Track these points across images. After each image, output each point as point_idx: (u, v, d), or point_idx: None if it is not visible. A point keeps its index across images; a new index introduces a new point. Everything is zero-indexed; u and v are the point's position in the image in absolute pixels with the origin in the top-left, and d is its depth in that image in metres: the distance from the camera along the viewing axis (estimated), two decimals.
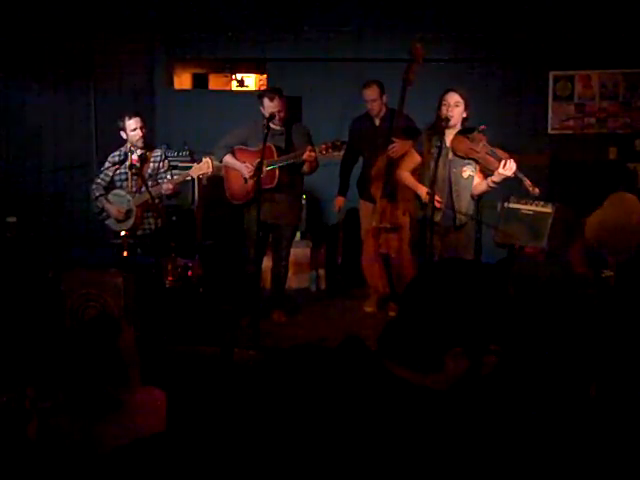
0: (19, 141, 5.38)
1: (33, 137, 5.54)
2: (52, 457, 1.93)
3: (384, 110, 5.22)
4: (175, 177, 5.03)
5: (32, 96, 5.48)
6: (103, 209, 5.05)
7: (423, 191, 4.22)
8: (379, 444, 1.19)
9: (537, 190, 4.03)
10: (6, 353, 3.55)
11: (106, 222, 5.06)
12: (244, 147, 5.00)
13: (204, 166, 4.90)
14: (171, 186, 4.89)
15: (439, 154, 4.13)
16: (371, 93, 5.18)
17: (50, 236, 5.16)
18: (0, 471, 1.92)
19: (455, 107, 4.19)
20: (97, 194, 5.03)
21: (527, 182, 4.03)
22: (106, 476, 1.62)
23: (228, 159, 5.01)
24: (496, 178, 4.08)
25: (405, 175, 4.45)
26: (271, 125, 4.82)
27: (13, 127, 5.33)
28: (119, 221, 5.01)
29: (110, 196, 5.02)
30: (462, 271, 1.36)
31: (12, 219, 4.84)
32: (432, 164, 4.15)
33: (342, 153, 5.28)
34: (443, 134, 4.21)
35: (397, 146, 4.82)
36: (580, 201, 5.68)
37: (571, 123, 6.51)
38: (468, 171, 4.25)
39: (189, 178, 5.25)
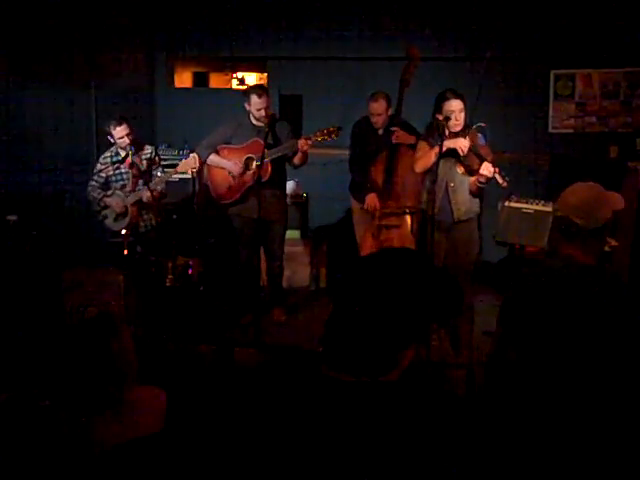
0: (19, 141, 5.37)
1: (33, 137, 5.53)
2: (52, 457, 1.93)
3: (388, 121, 5.19)
4: (162, 175, 5.08)
5: (32, 96, 5.47)
6: (103, 208, 5.07)
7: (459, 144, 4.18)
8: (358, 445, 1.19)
9: (505, 184, 4.07)
10: (6, 353, 3.55)
11: (105, 222, 5.08)
12: (228, 145, 5.00)
13: (191, 161, 4.96)
14: (158, 188, 4.98)
15: (440, 155, 4.13)
16: (378, 107, 5.08)
17: (50, 235, 5.15)
18: (0, 471, 1.92)
19: (460, 113, 4.20)
20: (95, 194, 5.07)
21: (499, 179, 4.04)
22: (106, 475, 1.62)
23: (213, 158, 5.00)
24: (481, 178, 4.13)
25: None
26: (257, 122, 4.83)
27: (13, 127, 5.32)
28: (116, 220, 5.02)
29: (109, 193, 5.06)
30: (392, 263, 1.33)
31: (13, 218, 4.84)
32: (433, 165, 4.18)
33: (339, 144, 5.24)
34: (444, 134, 4.22)
35: (399, 133, 4.80)
36: None
37: (572, 122, 6.50)
38: (463, 168, 4.27)
39: (179, 176, 5.35)
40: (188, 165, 4.98)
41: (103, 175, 5.05)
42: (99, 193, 5.06)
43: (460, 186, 4.29)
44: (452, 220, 4.32)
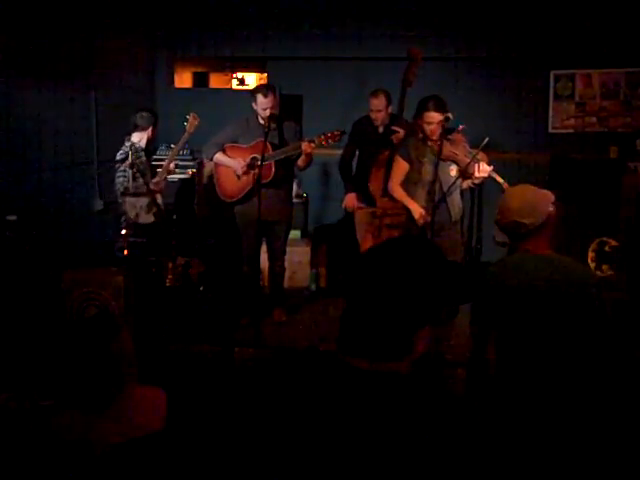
0: (19, 141, 5.37)
1: (33, 137, 5.53)
2: (52, 457, 1.93)
3: (388, 119, 5.18)
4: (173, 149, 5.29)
5: (32, 96, 5.47)
6: (143, 194, 5.01)
7: (417, 211, 4.27)
8: (366, 437, 1.19)
9: (506, 185, 4.14)
10: (6, 352, 3.55)
11: (138, 219, 4.99)
12: (235, 144, 5.00)
13: (193, 121, 5.15)
14: (172, 166, 5.29)
15: (437, 166, 4.19)
16: (378, 103, 5.11)
17: (50, 235, 5.15)
18: (0, 470, 1.92)
19: (438, 125, 4.25)
20: (130, 183, 5.00)
21: (498, 179, 4.14)
22: (106, 475, 1.62)
23: (219, 157, 5.00)
24: (476, 181, 4.24)
25: (397, 189, 4.47)
26: (264, 122, 4.82)
27: (13, 127, 5.32)
28: (148, 211, 5.06)
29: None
30: (397, 252, 1.35)
31: (12, 217, 4.84)
32: (423, 169, 4.29)
33: (341, 144, 5.26)
34: (427, 141, 4.31)
35: (401, 133, 4.83)
36: (580, 200, 5.68)
37: (572, 122, 6.50)
38: (455, 170, 4.35)
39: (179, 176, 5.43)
40: (192, 125, 5.15)
41: (128, 170, 5.01)
42: (129, 185, 5.02)
43: (454, 188, 4.36)
44: (450, 221, 4.39)
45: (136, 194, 4.97)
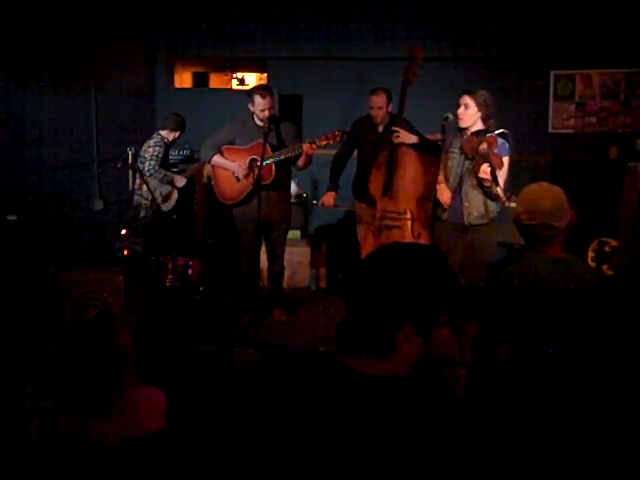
0: (19, 141, 5.37)
1: (33, 137, 5.53)
2: (52, 457, 1.93)
3: (388, 118, 5.17)
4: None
5: (32, 96, 5.47)
6: (170, 182, 5.58)
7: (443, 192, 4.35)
8: (358, 441, 1.18)
9: (504, 198, 4.07)
10: (6, 352, 3.54)
11: (162, 205, 5.39)
12: (232, 146, 4.98)
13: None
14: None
15: (448, 151, 4.17)
16: (378, 100, 5.08)
17: (50, 235, 5.15)
18: (0, 471, 1.91)
19: (460, 109, 4.20)
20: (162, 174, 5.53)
21: (499, 189, 4.07)
22: (106, 475, 1.62)
23: (217, 159, 4.98)
24: (484, 182, 4.14)
25: (439, 177, 4.47)
26: (261, 123, 4.81)
27: (13, 127, 5.32)
28: (165, 200, 5.52)
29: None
30: (396, 255, 1.34)
31: (12, 217, 4.84)
32: (448, 163, 4.26)
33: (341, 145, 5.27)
34: (461, 135, 4.24)
35: (401, 133, 4.81)
36: (580, 201, 5.68)
37: (572, 122, 6.50)
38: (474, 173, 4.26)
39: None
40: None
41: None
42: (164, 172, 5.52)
43: (472, 191, 4.26)
44: (462, 224, 4.30)
45: (161, 179, 5.41)
